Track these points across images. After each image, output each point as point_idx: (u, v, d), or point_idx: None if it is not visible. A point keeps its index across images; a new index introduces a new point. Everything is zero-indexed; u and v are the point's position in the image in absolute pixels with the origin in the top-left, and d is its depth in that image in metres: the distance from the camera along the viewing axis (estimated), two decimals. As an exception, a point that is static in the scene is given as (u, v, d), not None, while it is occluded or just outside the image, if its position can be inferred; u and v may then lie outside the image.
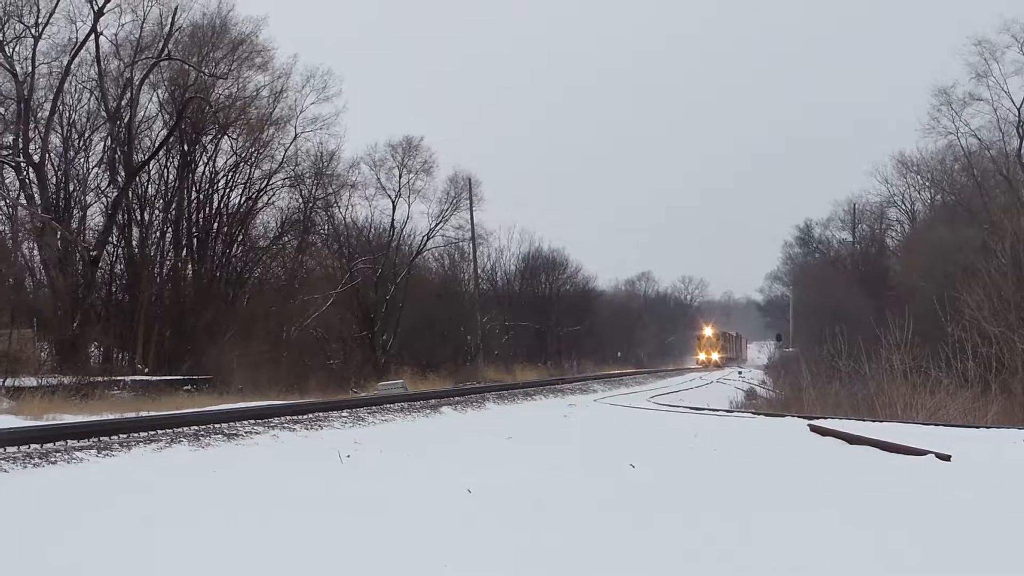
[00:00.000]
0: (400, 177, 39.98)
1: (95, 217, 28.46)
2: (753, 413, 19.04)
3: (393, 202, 40.11)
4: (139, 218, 29.39)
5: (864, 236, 51.51)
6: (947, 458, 8.42)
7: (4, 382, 18.49)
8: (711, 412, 19.14)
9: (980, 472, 7.86)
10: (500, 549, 5.14)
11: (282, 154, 32.58)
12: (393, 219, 40.34)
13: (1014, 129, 33.98)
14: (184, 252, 30.60)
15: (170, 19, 28.00)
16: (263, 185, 32.24)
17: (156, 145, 28.78)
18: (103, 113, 28.07)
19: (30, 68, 25.93)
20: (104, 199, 27.92)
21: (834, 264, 52.48)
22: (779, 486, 7.39)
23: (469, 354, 42.96)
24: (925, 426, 13.17)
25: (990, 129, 34.83)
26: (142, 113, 28.92)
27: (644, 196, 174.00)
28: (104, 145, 28.28)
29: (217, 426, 12.42)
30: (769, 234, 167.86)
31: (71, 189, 27.65)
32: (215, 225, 31.29)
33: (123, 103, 28.20)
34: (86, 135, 28.26)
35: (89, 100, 28.24)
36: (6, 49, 25.59)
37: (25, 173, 25.99)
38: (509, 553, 5.04)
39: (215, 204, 31.35)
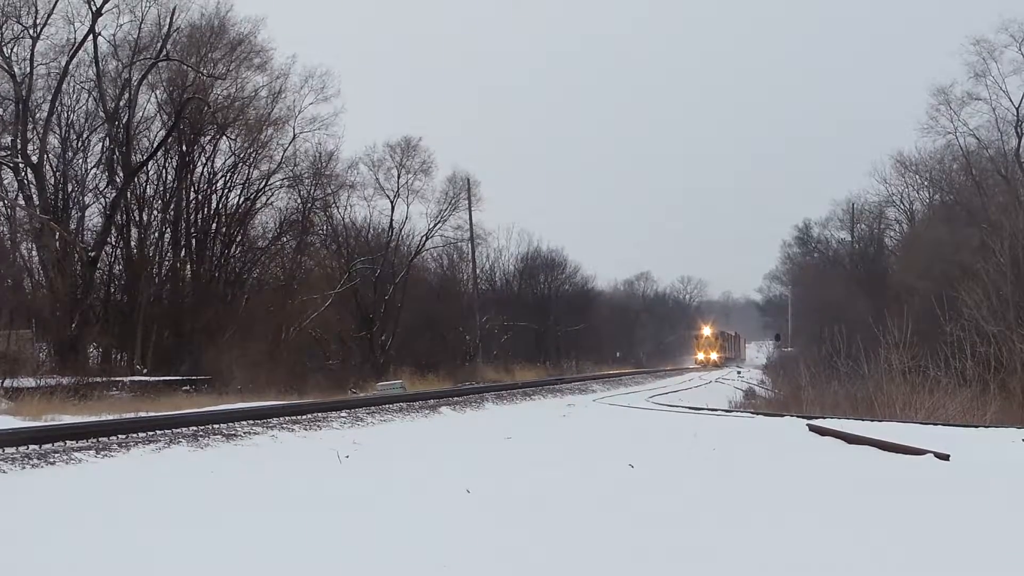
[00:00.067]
0: (399, 177, 40.14)
1: (93, 218, 28.53)
2: (752, 413, 19.03)
3: (392, 202, 40.25)
4: (137, 219, 29.42)
5: (863, 236, 51.43)
6: (946, 457, 8.43)
7: (3, 383, 18.48)
8: (710, 412, 19.13)
9: (979, 471, 7.87)
10: (499, 549, 5.14)
11: (280, 154, 32.58)
12: (392, 219, 40.51)
13: (1012, 128, 34.08)
14: (183, 253, 30.58)
15: (168, 19, 28.03)
16: (261, 185, 32.25)
17: (154, 146, 28.78)
18: (101, 114, 28.07)
19: (28, 69, 25.91)
20: (102, 200, 27.95)
21: (833, 264, 52.46)
22: (778, 486, 7.40)
23: (468, 354, 42.99)
24: (924, 426, 13.17)
25: (989, 128, 34.97)
26: (140, 114, 28.96)
27: (644, 196, 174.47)
28: (102, 146, 28.33)
29: (216, 427, 12.44)
30: (768, 234, 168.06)
31: (69, 190, 27.69)
32: (214, 225, 31.27)
33: (121, 104, 28.18)
34: (84, 136, 28.32)
35: (87, 101, 28.31)
36: (4, 50, 25.59)
37: (23, 174, 25.99)
38: (508, 553, 5.04)
39: (214, 204, 31.37)
